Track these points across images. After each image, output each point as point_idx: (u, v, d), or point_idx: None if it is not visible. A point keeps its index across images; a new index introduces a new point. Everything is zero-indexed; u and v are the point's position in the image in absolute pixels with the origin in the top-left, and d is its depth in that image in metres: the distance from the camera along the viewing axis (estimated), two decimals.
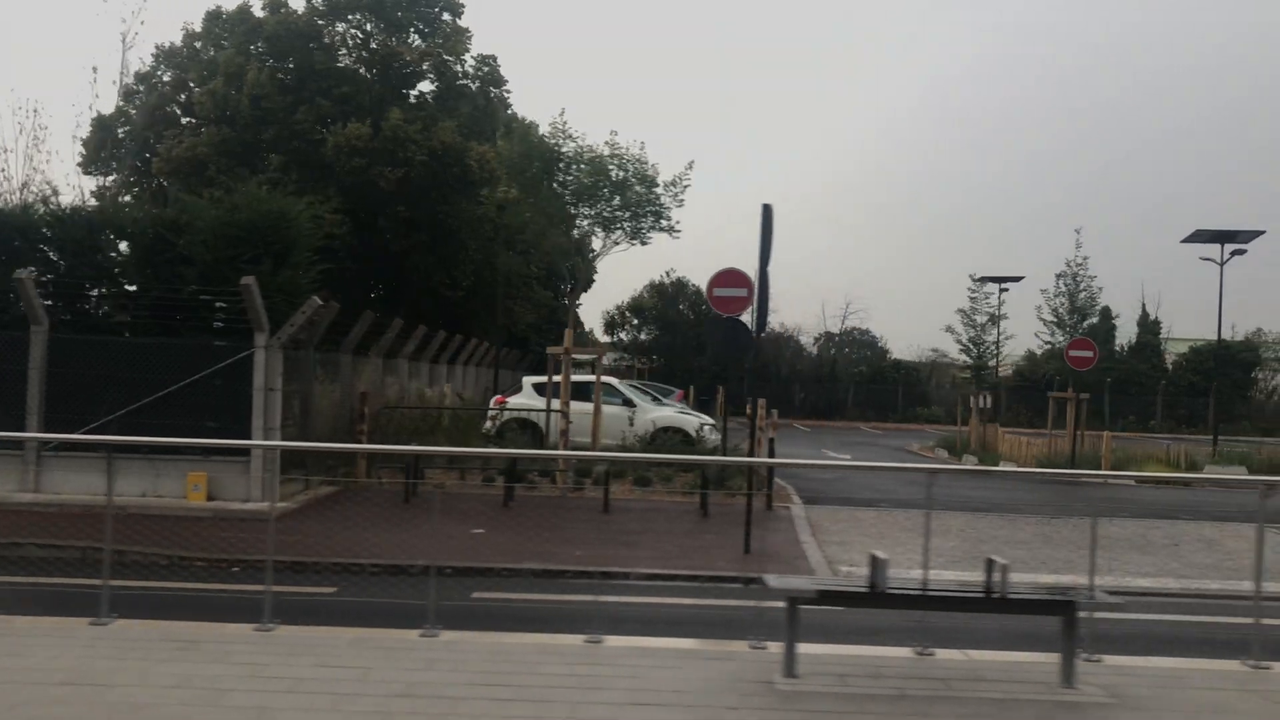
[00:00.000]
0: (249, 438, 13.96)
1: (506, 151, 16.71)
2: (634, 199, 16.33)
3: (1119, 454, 27.86)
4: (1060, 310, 27.78)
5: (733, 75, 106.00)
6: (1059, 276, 27.88)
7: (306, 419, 15.79)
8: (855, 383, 50.90)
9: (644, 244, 21.85)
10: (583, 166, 15.43)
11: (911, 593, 6.29)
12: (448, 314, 33.87)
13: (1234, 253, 30.93)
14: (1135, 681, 6.27)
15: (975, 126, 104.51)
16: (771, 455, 17.15)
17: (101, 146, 33.34)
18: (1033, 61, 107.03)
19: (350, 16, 33.74)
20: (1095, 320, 28.90)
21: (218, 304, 14.83)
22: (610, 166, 15.66)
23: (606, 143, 18.22)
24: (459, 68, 33.50)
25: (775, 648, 6.88)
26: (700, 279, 70.28)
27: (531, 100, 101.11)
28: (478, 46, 35.62)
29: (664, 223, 21.32)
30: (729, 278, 17.43)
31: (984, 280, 45.15)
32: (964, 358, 34.50)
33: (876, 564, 6.72)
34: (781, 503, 16.83)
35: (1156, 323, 52.97)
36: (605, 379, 22.80)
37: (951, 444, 33.23)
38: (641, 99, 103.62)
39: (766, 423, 17.78)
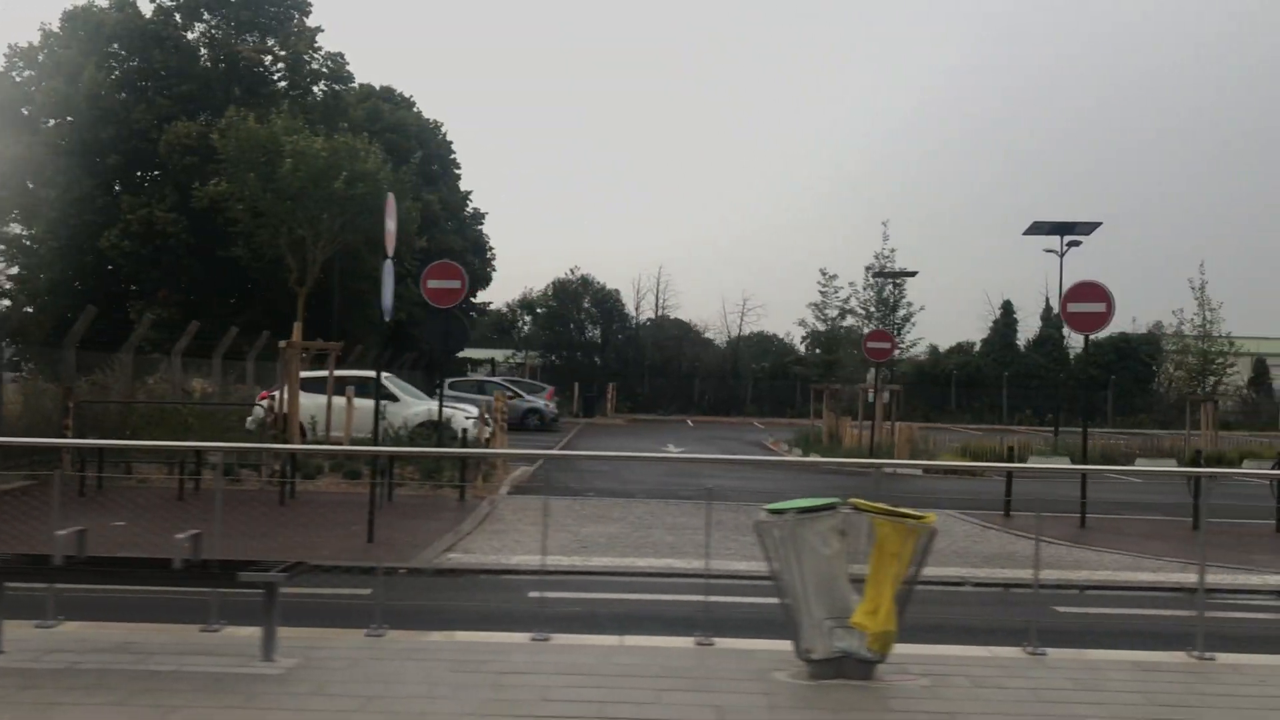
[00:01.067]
0: None
1: (220, 145, 16.81)
2: (345, 195, 16.38)
3: (932, 445, 28.04)
4: (869, 303, 27.93)
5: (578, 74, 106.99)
6: (868, 269, 28.07)
7: None
8: (755, 379, 50.99)
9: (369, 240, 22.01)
10: (287, 161, 15.51)
11: (88, 567, 6.37)
12: (311, 313, 33.91)
13: (1070, 244, 31.11)
14: (330, 655, 6.39)
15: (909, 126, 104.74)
16: (465, 444, 17.22)
17: None
18: (1018, 63, 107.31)
19: (205, 16, 33.86)
20: (903, 312, 29.00)
21: None
22: (324, 163, 15.71)
23: (332, 138, 18.23)
24: (311, 65, 33.62)
25: (72, 626, 6.97)
26: (602, 272, 70.53)
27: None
28: (329, 45, 35.57)
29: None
30: (442, 270, 17.60)
31: (879, 275, 45.31)
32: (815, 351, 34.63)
33: (194, 540, 6.87)
34: (490, 493, 16.92)
35: (1059, 316, 53.02)
36: (370, 374, 22.83)
37: (806, 438, 33.35)
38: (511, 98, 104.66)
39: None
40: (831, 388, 33.15)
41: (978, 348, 54.13)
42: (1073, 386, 51.84)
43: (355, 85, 34.92)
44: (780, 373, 50.90)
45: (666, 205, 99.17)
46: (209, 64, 33.04)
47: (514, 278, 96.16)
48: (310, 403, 20.12)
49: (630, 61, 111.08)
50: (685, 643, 6.93)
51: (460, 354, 51.45)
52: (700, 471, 22.16)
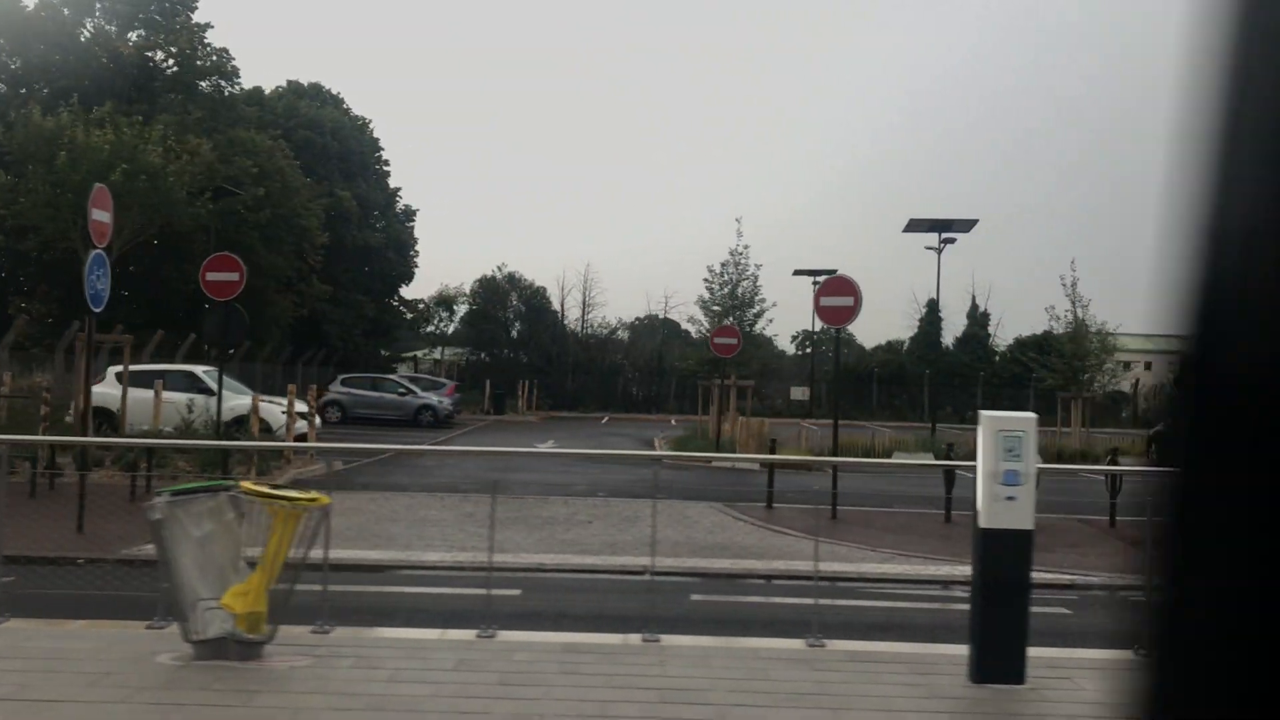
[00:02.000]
0: None
1: (4, 139, 16.88)
2: (126, 188, 16.45)
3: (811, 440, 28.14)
4: (722, 300, 28.06)
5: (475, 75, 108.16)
6: (724, 265, 28.20)
7: None
8: (678, 377, 51.02)
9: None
10: (62, 154, 15.58)
11: None
12: (200, 309, 33.94)
13: (945, 241, 31.19)
14: None
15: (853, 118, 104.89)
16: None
17: None
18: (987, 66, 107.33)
19: (97, 12, 33.89)
20: (756, 310, 29.13)
21: None
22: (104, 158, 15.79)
23: (121, 131, 18.24)
24: (197, 62, 33.62)
25: None
26: (530, 269, 70.95)
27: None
28: (218, 42, 35.43)
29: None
30: (220, 263, 17.65)
31: (798, 273, 45.34)
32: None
33: None
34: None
35: (985, 315, 53.28)
36: (188, 368, 22.88)
37: (692, 435, 33.44)
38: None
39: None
40: (715, 384, 33.20)
41: (906, 346, 54.28)
42: (997, 384, 52.00)
43: (242, 81, 34.98)
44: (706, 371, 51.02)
45: (589, 208, 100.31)
46: (102, 60, 33.04)
47: (447, 279, 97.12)
48: (129, 395, 20.18)
49: (540, 64, 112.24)
50: (139, 627, 7.00)
51: (386, 352, 51.50)
52: (538, 466, 22.28)
